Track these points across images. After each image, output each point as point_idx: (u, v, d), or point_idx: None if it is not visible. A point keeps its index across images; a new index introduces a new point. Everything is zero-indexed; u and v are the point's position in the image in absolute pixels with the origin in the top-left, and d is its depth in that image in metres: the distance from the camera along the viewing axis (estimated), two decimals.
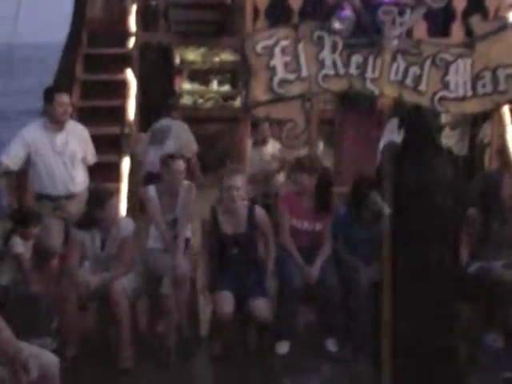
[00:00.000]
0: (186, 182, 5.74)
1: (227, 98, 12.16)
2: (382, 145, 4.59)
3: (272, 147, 7.99)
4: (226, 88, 12.40)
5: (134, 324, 5.50)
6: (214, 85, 12.38)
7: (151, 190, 5.72)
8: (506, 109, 7.42)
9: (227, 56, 12.19)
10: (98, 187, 5.80)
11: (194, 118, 11.46)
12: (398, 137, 4.50)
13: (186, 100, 12.02)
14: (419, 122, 4.57)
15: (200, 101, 12.09)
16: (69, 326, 5.35)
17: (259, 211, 5.59)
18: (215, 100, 12.10)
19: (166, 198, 5.68)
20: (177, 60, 12.08)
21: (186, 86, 12.32)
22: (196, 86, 12.38)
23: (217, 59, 12.37)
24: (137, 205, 7.46)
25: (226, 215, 5.51)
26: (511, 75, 6.78)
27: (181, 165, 5.69)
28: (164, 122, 8.05)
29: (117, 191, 7.39)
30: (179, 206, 5.67)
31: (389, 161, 4.46)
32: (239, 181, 5.44)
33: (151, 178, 6.91)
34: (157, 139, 7.77)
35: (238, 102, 11.37)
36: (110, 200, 5.48)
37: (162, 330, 5.57)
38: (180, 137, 7.79)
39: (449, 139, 8.83)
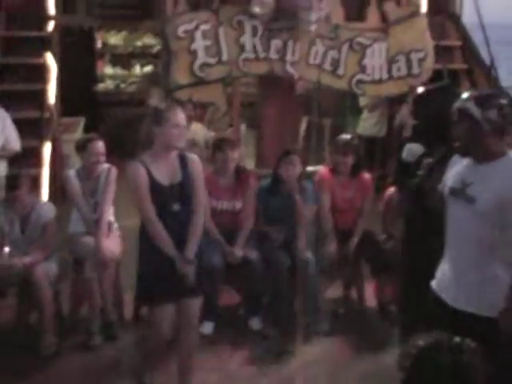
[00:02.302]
0: (106, 165, 5.73)
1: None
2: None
3: (199, 128, 8.01)
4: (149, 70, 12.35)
5: (56, 309, 5.53)
6: (137, 69, 12.33)
7: (71, 174, 5.71)
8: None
9: (149, 40, 12.16)
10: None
11: (117, 102, 11.48)
12: None
13: (109, 84, 11.95)
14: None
15: (122, 85, 12.02)
16: None
17: (192, 157, 4.57)
18: (138, 84, 12.04)
19: (86, 181, 5.66)
20: (98, 44, 11.98)
21: (109, 70, 12.24)
22: (118, 71, 12.31)
23: (139, 43, 12.32)
24: (59, 190, 7.42)
25: (156, 164, 4.41)
26: (423, 59, 7.02)
27: (99, 146, 5.64)
28: None
29: (38, 176, 7.36)
30: (100, 188, 5.67)
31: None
32: (183, 120, 4.46)
33: None
34: None
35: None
36: (23, 183, 5.45)
37: (86, 313, 5.59)
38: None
39: (367, 121, 9.07)
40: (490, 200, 3.42)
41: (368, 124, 9.07)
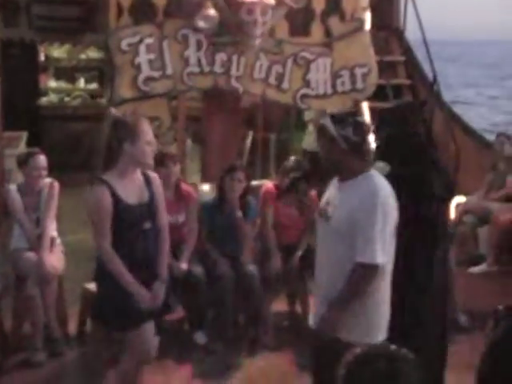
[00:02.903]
0: (48, 180, 5.66)
1: (94, 95, 12.05)
2: None
3: None
4: (93, 86, 12.27)
5: None
6: (81, 82, 12.23)
7: (13, 189, 5.63)
8: (365, 106, 7.77)
9: (93, 53, 12.07)
10: None
11: (61, 116, 11.35)
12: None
13: (52, 98, 11.81)
14: None
15: (66, 99, 11.89)
16: None
17: (154, 176, 4.48)
18: (82, 98, 11.94)
19: (28, 196, 5.59)
20: (41, 57, 11.84)
21: (52, 83, 12.11)
22: (62, 84, 12.19)
23: (83, 56, 12.21)
24: (0, 205, 7.28)
25: (122, 183, 4.24)
26: (367, 74, 7.09)
27: (41, 161, 5.57)
28: None
29: None
30: (43, 203, 5.59)
31: None
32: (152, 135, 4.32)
33: None
34: None
35: (105, 100, 11.31)
36: None
37: (29, 330, 5.49)
38: None
39: (312, 136, 9.14)
40: (342, 218, 3.44)
41: (313, 138, 9.12)
